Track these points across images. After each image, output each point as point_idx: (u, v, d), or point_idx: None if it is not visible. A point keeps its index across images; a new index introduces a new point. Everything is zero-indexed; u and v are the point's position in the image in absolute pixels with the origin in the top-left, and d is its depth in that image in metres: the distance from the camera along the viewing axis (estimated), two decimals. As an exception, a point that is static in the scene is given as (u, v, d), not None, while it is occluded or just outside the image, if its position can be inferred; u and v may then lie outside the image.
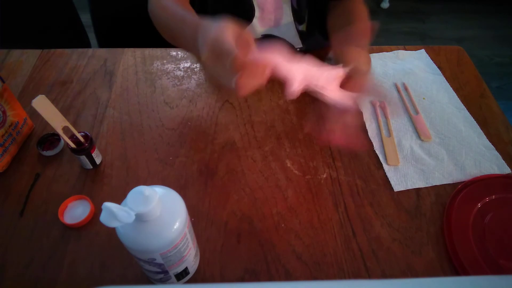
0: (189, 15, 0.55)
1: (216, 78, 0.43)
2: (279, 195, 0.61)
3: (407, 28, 2.29)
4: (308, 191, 0.61)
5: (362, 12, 0.69)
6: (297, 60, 0.44)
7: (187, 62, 0.81)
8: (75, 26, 1.15)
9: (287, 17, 0.76)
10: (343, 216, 0.58)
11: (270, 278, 0.52)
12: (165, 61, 0.82)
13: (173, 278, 0.48)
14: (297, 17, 0.76)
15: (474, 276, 0.36)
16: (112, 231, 0.42)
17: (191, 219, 0.54)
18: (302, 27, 0.78)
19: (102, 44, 1.06)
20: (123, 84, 0.77)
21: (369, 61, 0.56)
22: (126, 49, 0.84)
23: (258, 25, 0.77)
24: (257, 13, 0.74)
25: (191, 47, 0.51)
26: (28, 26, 1.09)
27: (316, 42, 0.82)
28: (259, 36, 0.79)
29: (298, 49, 0.83)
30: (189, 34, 0.51)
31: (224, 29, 0.41)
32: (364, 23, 0.65)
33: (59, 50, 0.84)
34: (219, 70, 0.42)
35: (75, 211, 0.58)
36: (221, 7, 0.73)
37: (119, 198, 0.42)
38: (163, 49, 0.84)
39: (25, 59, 0.82)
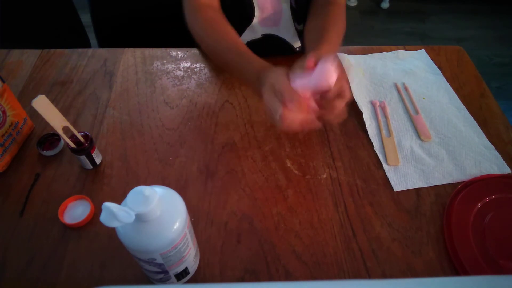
0: (247, 51, 0.63)
1: (270, 111, 0.54)
2: (279, 195, 0.61)
3: (407, 28, 2.29)
4: (308, 191, 0.61)
5: (338, 15, 0.70)
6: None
7: (187, 62, 0.81)
8: (75, 26, 1.15)
9: (286, 16, 0.76)
10: (343, 216, 0.58)
11: (270, 278, 0.52)
12: (165, 61, 0.82)
13: (173, 278, 0.48)
14: (296, 16, 0.76)
15: (474, 276, 0.36)
16: (112, 231, 0.42)
17: (191, 219, 0.54)
18: (301, 27, 0.78)
19: (102, 44, 1.06)
20: (123, 84, 0.77)
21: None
22: (126, 49, 0.84)
23: (258, 25, 0.77)
24: (257, 13, 0.75)
25: (248, 81, 0.62)
26: (28, 26, 1.09)
27: None
28: (259, 36, 0.79)
29: (296, 49, 0.83)
30: (249, 72, 0.61)
31: (281, 75, 0.53)
32: (337, 29, 0.68)
33: (59, 50, 0.84)
34: (273, 103, 0.52)
35: (75, 211, 0.58)
36: (222, 8, 0.73)
37: (119, 198, 0.42)
38: (163, 49, 0.84)
39: (25, 59, 0.82)
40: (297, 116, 0.52)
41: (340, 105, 0.54)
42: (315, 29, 0.67)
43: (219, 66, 0.73)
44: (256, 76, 0.58)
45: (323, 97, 0.54)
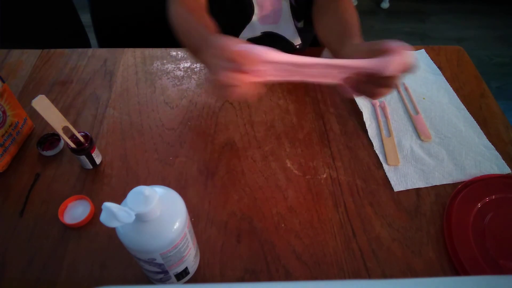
0: (213, 29, 0.61)
1: (212, 72, 0.48)
2: (279, 195, 0.61)
3: (407, 28, 2.29)
4: (308, 191, 0.61)
5: (350, 10, 0.67)
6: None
7: (187, 62, 0.81)
8: (75, 26, 1.15)
9: (286, 14, 0.76)
10: (343, 216, 0.58)
11: (270, 278, 0.52)
12: (165, 61, 0.82)
13: (173, 278, 0.48)
14: (296, 14, 0.76)
15: (474, 276, 0.36)
16: (112, 231, 0.42)
17: (191, 219, 0.54)
18: (301, 24, 0.78)
19: (102, 44, 1.06)
20: (123, 84, 0.77)
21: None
22: (126, 49, 0.84)
23: (258, 23, 0.77)
24: (256, 10, 0.75)
25: (201, 52, 0.56)
26: (28, 26, 1.09)
27: (314, 39, 0.82)
28: (259, 34, 0.79)
29: (297, 46, 0.83)
30: (205, 40, 0.56)
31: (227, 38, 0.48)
32: (357, 24, 0.65)
33: (59, 50, 0.84)
34: (215, 62, 0.47)
35: (75, 211, 0.58)
36: (221, 6, 0.73)
37: (119, 198, 0.42)
38: (163, 49, 0.84)
39: (25, 59, 0.82)
40: (239, 77, 0.46)
41: (384, 92, 0.52)
42: (335, 27, 0.64)
43: (187, 50, 0.67)
44: (209, 42, 0.53)
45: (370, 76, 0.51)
